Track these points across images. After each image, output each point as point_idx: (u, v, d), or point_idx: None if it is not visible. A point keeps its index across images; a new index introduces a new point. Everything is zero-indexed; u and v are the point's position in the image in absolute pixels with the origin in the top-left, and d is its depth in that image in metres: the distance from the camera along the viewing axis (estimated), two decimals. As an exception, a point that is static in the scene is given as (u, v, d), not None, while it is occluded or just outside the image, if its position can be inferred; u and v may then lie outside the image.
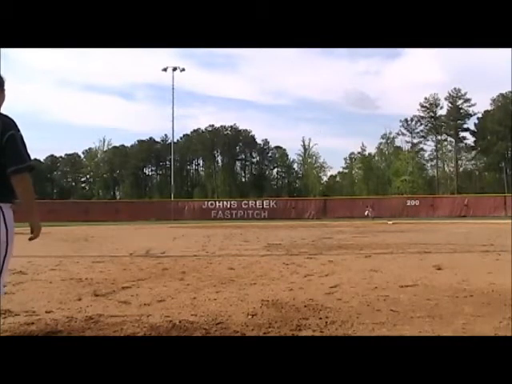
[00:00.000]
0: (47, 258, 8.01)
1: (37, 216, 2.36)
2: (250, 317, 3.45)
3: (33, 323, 3.32)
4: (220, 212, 35.56)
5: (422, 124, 66.45)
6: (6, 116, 2.29)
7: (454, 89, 63.92)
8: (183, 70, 44.46)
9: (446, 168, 66.84)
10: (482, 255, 7.63)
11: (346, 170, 72.41)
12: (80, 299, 4.17)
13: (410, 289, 4.51)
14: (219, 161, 77.71)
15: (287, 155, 76.11)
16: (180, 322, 3.29)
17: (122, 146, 77.62)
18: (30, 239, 2.36)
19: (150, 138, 78.29)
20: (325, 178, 71.96)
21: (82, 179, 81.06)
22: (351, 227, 19.26)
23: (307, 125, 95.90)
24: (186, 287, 4.85)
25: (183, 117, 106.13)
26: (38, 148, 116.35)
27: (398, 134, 66.00)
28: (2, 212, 2.22)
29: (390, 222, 23.48)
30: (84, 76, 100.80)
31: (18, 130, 2.28)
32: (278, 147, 77.36)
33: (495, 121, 59.29)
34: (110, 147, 75.79)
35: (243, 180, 77.79)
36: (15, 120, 2.32)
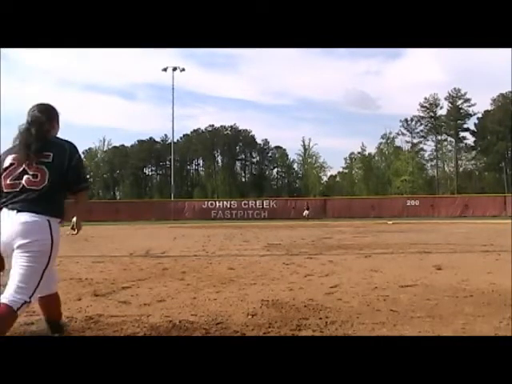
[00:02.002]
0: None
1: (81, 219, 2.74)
2: (249, 317, 3.45)
3: (33, 323, 3.32)
4: (220, 212, 35.53)
5: (421, 124, 66.48)
6: (68, 141, 2.60)
7: (454, 89, 63.98)
8: (183, 70, 44.42)
9: (446, 168, 66.82)
10: (482, 255, 7.63)
11: (346, 170, 72.38)
12: (80, 299, 4.17)
13: (410, 289, 4.51)
14: (219, 161, 77.72)
15: (287, 155, 76.18)
16: (180, 321, 3.29)
17: (122, 145, 77.61)
18: (74, 233, 2.73)
19: (150, 138, 78.31)
20: (325, 178, 72.03)
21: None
22: (351, 227, 19.26)
23: (307, 125, 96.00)
24: (185, 287, 4.85)
25: (183, 117, 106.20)
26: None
27: (398, 133, 66.05)
28: (50, 225, 2.42)
29: (390, 222, 23.48)
30: (84, 76, 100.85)
31: (79, 153, 2.63)
32: (278, 147, 77.37)
33: (495, 121, 59.27)
34: (110, 147, 75.77)
35: (243, 180, 77.79)
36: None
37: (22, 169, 2.44)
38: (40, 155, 2.45)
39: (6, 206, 2.39)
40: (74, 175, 2.54)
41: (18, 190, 2.41)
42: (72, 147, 2.57)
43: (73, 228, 2.72)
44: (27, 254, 2.34)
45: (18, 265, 2.34)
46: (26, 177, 2.42)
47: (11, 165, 2.46)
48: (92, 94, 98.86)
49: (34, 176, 2.43)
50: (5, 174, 2.45)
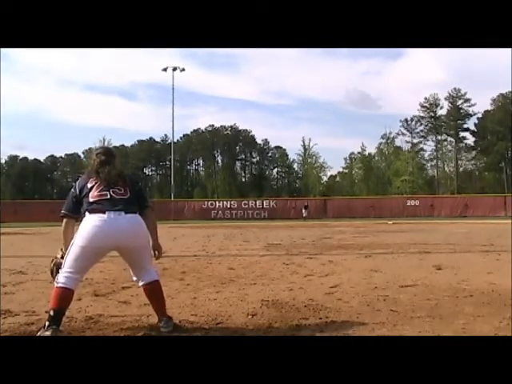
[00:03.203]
0: (47, 257, 8.00)
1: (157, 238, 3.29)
2: (250, 317, 3.44)
3: (33, 323, 3.32)
4: (220, 212, 35.52)
5: (421, 124, 66.47)
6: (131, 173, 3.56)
7: (454, 89, 63.99)
8: (183, 70, 44.34)
9: (446, 168, 66.80)
10: (482, 255, 7.62)
11: (346, 170, 72.38)
12: (80, 299, 4.16)
13: (410, 289, 4.51)
14: (219, 161, 77.72)
15: (287, 155, 76.20)
16: (180, 321, 3.29)
17: (122, 146, 77.58)
18: (157, 259, 3.34)
19: (150, 138, 78.42)
20: (325, 178, 71.98)
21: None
22: (351, 227, 19.26)
23: (307, 125, 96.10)
24: (185, 287, 4.85)
25: (184, 117, 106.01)
26: (38, 148, 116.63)
27: (398, 133, 66.01)
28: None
29: (390, 222, 23.47)
30: (84, 76, 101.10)
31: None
32: (278, 147, 77.40)
33: (495, 121, 59.27)
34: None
35: (243, 180, 77.77)
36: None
37: (106, 184, 3.03)
38: (119, 177, 3.11)
39: (101, 210, 2.93)
40: (142, 195, 3.24)
41: (106, 198, 2.98)
42: (135, 178, 3.53)
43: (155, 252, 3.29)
44: (144, 244, 3.08)
45: (140, 252, 3.05)
46: (112, 190, 3.02)
47: (95, 183, 3.04)
48: (92, 94, 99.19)
49: (119, 189, 3.05)
50: (92, 189, 3.02)
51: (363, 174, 66.57)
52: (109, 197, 2.99)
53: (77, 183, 3.13)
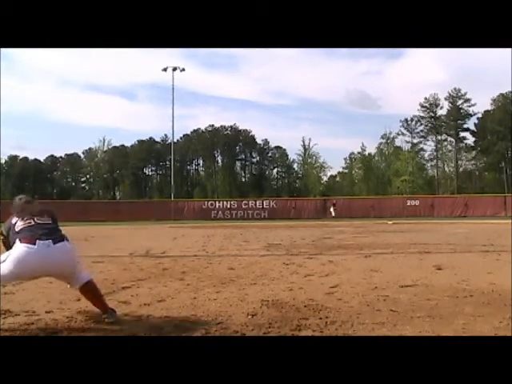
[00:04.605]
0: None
1: None
2: (250, 317, 3.44)
3: (33, 323, 3.32)
4: (220, 212, 35.48)
5: (421, 124, 66.42)
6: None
7: (454, 89, 63.90)
8: (183, 70, 44.24)
9: (446, 168, 66.77)
10: (482, 255, 7.62)
11: (346, 170, 72.38)
12: (80, 299, 4.15)
13: (410, 289, 4.51)
14: (219, 161, 77.66)
15: (287, 155, 76.12)
16: (180, 321, 3.29)
17: (122, 146, 77.53)
18: None
19: (150, 138, 78.29)
20: (325, 178, 71.95)
21: (82, 179, 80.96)
22: (351, 227, 19.25)
23: (307, 125, 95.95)
24: (186, 287, 4.85)
25: (184, 117, 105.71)
26: (38, 148, 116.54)
27: (398, 134, 65.96)
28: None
29: (390, 222, 23.45)
30: (84, 76, 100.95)
31: None
32: (278, 147, 77.34)
33: (495, 121, 59.23)
34: (109, 147, 75.69)
35: (243, 180, 77.76)
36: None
37: (28, 215, 3.32)
38: (41, 210, 3.47)
39: (30, 240, 3.13)
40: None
41: (31, 224, 3.25)
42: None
43: None
44: (74, 265, 3.34)
45: (69, 272, 3.33)
46: (36, 218, 3.32)
47: (19, 217, 3.35)
48: (92, 94, 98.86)
49: (42, 217, 3.36)
50: (18, 221, 3.31)
51: (363, 173, 66.52)
52: (33, 223, 3.28)
53: (3, 227, 3.45)
